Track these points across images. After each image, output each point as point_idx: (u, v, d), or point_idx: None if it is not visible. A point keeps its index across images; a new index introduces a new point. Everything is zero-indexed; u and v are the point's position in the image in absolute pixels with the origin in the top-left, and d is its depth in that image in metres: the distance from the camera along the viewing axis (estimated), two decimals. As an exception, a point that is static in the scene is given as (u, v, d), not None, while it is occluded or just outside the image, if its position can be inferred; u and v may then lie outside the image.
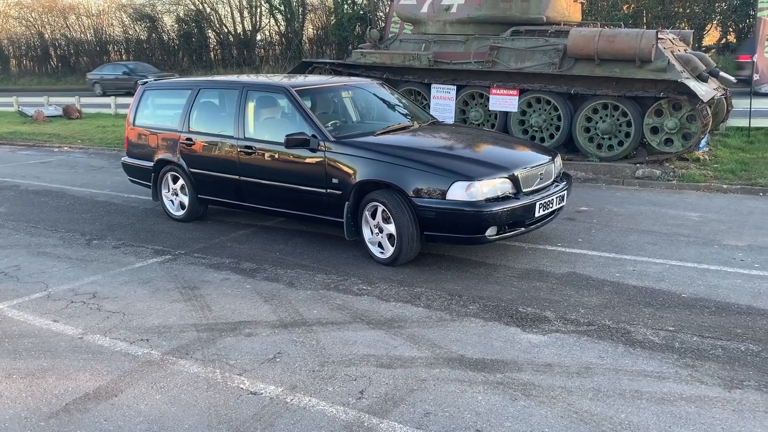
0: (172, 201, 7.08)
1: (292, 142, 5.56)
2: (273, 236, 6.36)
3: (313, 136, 5.61)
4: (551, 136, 9.31)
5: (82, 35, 40.10)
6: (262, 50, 34.39)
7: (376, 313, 4.38)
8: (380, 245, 5.42)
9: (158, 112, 7.19)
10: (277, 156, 5.89)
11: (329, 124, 5.98)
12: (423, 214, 5.08)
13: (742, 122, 11.12)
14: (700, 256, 5.39)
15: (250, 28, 34.28)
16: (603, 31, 8.62)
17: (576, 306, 4.43)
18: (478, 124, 9.88)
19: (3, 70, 43.58)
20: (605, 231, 6.20)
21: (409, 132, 5.96)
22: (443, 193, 4.99)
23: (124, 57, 40.30)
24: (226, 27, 35.02)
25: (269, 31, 34.74)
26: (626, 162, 8.79)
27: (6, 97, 22.83)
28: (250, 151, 6.08)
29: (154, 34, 37.21)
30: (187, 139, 6.65)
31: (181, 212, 6.99)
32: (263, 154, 6.00)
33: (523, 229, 5.27)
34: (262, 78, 6.64)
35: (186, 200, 6.89)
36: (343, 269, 5.33)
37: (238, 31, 34.56)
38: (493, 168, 5.15)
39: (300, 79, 6.61)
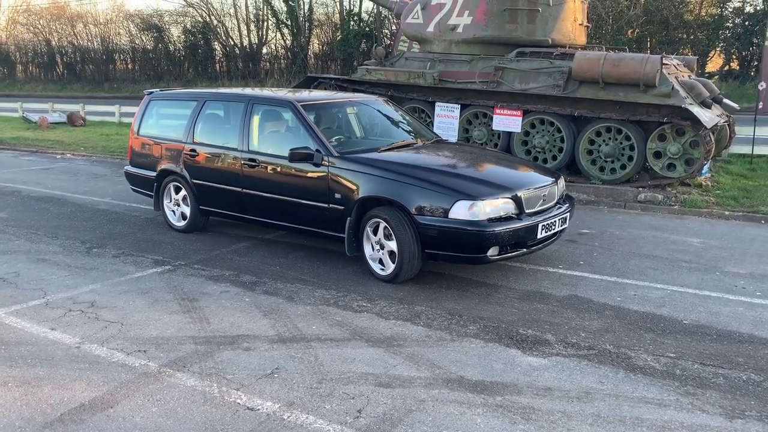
0: (173, 211, 7.07)
1: (296, 156, 5.56)
2: (273, 249, 6.34)
3: (317, 150, 5.62)
4: (554, 158, 9.32)
5: (89, 43, 40.32)
6: (268, 64, 34.53)
7: (376, 331, 4.35)
8: (381, 262, 5.40)
9: (163, 122, 7.21)
10: (280, 169, 5.89)
11: (333, 140, 5.98)
12: (425, 232, 5.06)
13: (745, 149, 11.15)
14: (702, 283, 5.37)
15: (257, 41, 34.47)
16: (608, 55, 8.67)
17: (577, 329, 4.41)
18: (481, 144, 9.90)
19: (9, 76, 43.80)
20: (607, 254, 6.19)
21: (413, 149, 5.97)
22: (446, 212, 4.98)
23: (129, 66, 40.55)
24: (233, 39, 35.23)
25: (275, 45, 34.94)
26: (628, 186, 8.79)
27: (11, 103, 22.92)
28: (253, 164, 6.08)
29: (160, 45, 37.39)
30: (191, 150, 6.66)
31: (183, 223, 6.98)
32: (267, 168, 6.00)
33: (525, 250, 5.26)
34: (267, 91, 6.67)
35: (188, 211, 6.88)
36: (343, 285, 5.30)
37: (245, 44, 34.75)
38: (496, 188, 5.15)
39: (306, 94, 6.64)
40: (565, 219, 5.58)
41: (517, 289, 5.21)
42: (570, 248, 6.37)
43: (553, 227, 5.38)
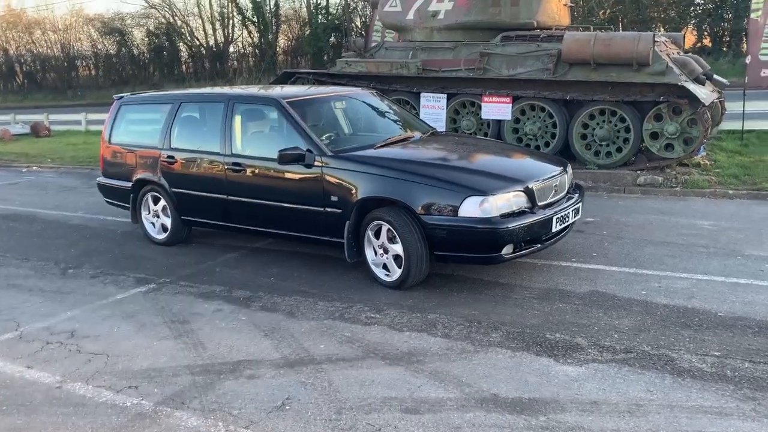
0: (153, 223, 6.59)
1: (286, 158, 5.13)
2: (265, 259, 5.90)
3: (309, 150, 5.19)
4: (547, 144, 8.99)
5: (48, 50, 39.11)
6: (236, 62, 33.84)
7: (391, 346, 3.96)
8: (385, 267, 5.00)
9: (136, 128, 6.71)
10: (268, 173, 5.45)
11: (324, 138, 5.56)
12: (433, 233, 4.67)
13: (733, 125, 10.94)
14: (726, 269, 5.06)
15: (223, 40, 33.72)
16: (599, 35, 8.35)
17: (608, 330, 4.06)
18: (471, 134, 9.52)
19: (-34, 87, 42.38)
20: (619, 244, 5.86)
21: (411, 144, 5.57)
22: (455, 210, 4.59)
23: (93, 72, 39.44)
24: (198, 40, 34.43)
25: (242, 43, 34.23)
26: (626, 169, 8.50)
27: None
28: (238, 168, 5.63)
29: (123, 49, 36.42)
30: (169, 156, 6.18)
31: (164, 235, 6.50)
32: (253, 172, 5.56)
33: (539, 245, 4.89)
34: (250, 90, 6.20)
35: (168, 222, 6.41)
36: (347, 295, 4.90)
37: (211, 44, 33.98)
38: (506, 181, 4.77)
39: (290, 90, 6.19)
40: (578, 210, 5.23)
41: (534, 288, 4.85)
42: (579, 239, 6.03)
43: (567, 219, 5.03)
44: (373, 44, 10.63)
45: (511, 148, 6.12)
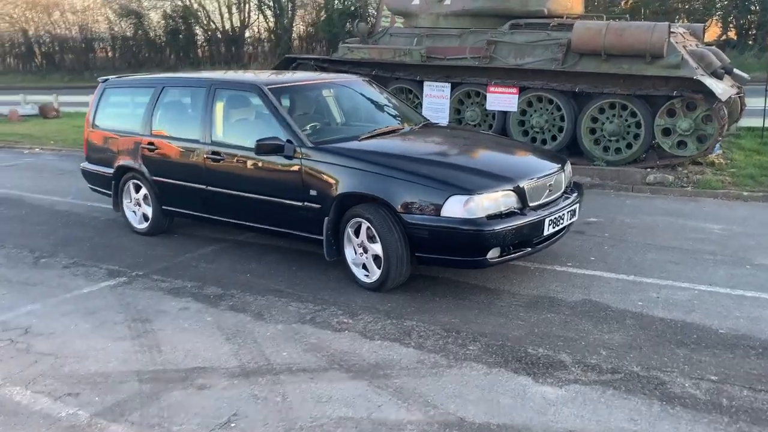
0: (134, 212, 6.33)
1: (263, 148, 4.83)
2: (245, 253, 5.62)
3: (288, 141, 4.88)
4: (554, 138, 8.60)
5: (66, 32, 39.08)
6: (251, 47, 33.54)
7: (358, 357, 3.66)
8: (365, 267, 4.70)
9: (119, 112, 6.45)
10: (247, 163, 5.16)
11: (308, 128, 5.26)
12: (414, 233, 4.36)
13: (753, 122, 10.43)
14: (732, 279, 4.69)
15: (239, 24, 33.39)
16: (611, 24, 7.93)
17: (596, 346, 3.72)
18: (475, 125, 9.16)
19: (-15, 67, 42.56)
20: (620, 247, 5.49)
21: (399, 136, 5.24)
22: (437, 209, 4.26)
23: (109, 54, 39.40)
24: (214, 23, 34.11)
25: (258, 28, 33.90)
26: (635, 166, 8.09)
27: (-18, 96, 21.94)
28: (218, 157, 5.34)
29: (140, 31, 36.25)
30: (149, 143, 5.91)
31: (145, 225, 6.24)
32: (232, 161, 5.27)
33: (529, 249, 4.56)
34: (232, 75, 5.89)
35: (149, 212, 6.15)
36: (322, 296, 4.60)
37: (226, 28, 33.67)
38: (495, 179, 4.43)
39: (275, 76, 5.88)
40: (575, 211, 4.88)
41: (522, 295, 4.52)
42: (578, 241, 5.67)
43: (562, 221, 4.68)
44: (380, 30, 10.27)
45: (505, 142, 5.76)
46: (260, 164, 5.07)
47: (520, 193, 4.42)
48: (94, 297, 4.72)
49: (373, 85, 6.31)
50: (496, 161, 4.86)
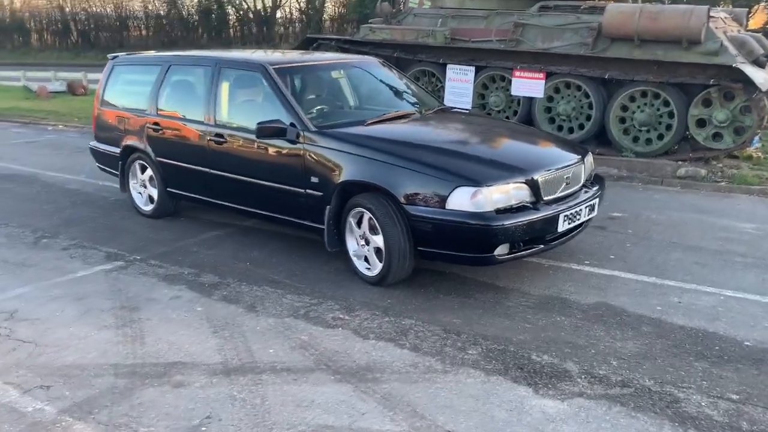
0: (140, 193, 6.18)
1: (265, 131, 4.60)
2: (249, 240, 5.42)
3: (292, 124, 4.64)
4: (581, 127, 8.21)
5: (101, 10, 39.39)
6: (282, 27, 33.37)
7: (348, 357, 3.42)
8: (367, 260, 4.46)
9: (127, 91, 6.27)
10: (250, 147, 4.94)
11: (315, 110, 5.02)
12: (417, 226, 4.09)
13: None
14: (764, 285, 4.33)
15: (271, 4, 33.22)
16: (645, 7, 7.49)
17: (606, 355, 3.43)
18: (499, 111, 8.82)
19: (24, 44, 43.15)
20: (643, 246, 5.15)
21: (409, 122, 4.96)
22: (443, 201, 3.99)
23: (143, 33, 39.59)
24: (246, 3, 34.01)
25: (289, 8, 33.69)
26: (666, 159, 7.67)
27: (15, 71, 22.15)
28: (221, 140, 5.14)
29: (173, 10, 36.32)
30: (155, 123, 5.73)
31: (150, 207, 6.09)
32: (235, 145, 5.06)
33: (542, 246, 4.26)
34: (238, 54, 5.65)
35: (155, 193, 5.99)
36: (320, 288, 4.37)
37: (258, 8, 33.53)
38: (506, 170, 4.13)
39: (283, 56, 5.63)
40: (594, 206, 4.55)
41: (533, 295, 4.23)
42: (599, 237, 5.35)
43: (579, 217, 4.36)
44: (405, 10, 9.92)
45: (522, 130, 5.41)
46: (262, 148, 4.85)
47: (533, 185, 4.12)
48: (87, 281, 4.56)
49: (388, 66, 6.02)
50: (509, 151, 4.55)
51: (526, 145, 4.73)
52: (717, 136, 7.50)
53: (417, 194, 4.07)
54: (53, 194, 7.10)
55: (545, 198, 4.18)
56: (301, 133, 4.59)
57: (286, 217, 4.91)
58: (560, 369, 3.29)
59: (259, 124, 4.59)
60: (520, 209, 4.05)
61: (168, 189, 5.83)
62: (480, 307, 4.06)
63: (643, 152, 7.80)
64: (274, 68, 4.97)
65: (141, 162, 6.03)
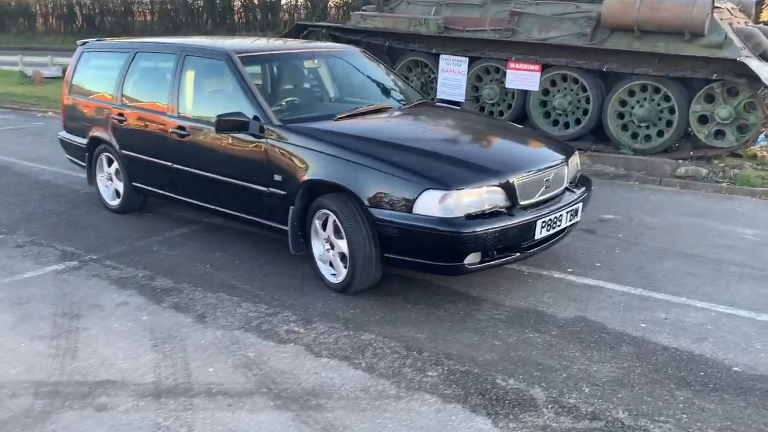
0: (107, 187, 5.89)
1: (224, 124, 4.27)
2: (216, 238, 5.12)
3: (255, 117, 4.32)
4: (577, 122, 7.85)
5: (107, -6, 39.06)
6: (287, 14, 32.92)
7: (294, 379, 3.12)
8: (333, 265, 4.14)
9: (94, 79, 5.96)
10: (211, 141, 4.63)
11: (284, 103, 4.71)
12: (383, 231, 3.77)
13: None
14: (759, 300, 3.99)
15: (276, -10, 32.78)
16: (646, -4, 7.09)
17: (579, 380, 3.11)
18: (493, 105, 8.45)
19: (29, 29, 42.92)
20: (633, 252, 4.81)
21: (383, 117, 4.62)
22: (410, 204, 3.66)
23: (148, 19, 39.25)
24: (251, -11, 33.57)
25: (295, -6, 33.22)
26: (666, 156, 7.30)
27: (12, 56, 21.88)
28: (183, 132, 4.83)
29: (178, -5, 35.95)
30: (119, 113, 5.42)
31: (117, 201, 5.80)
32: (198, 138, 4.74)
33: (518, 254, 3.93)
34: (205, 40, 5.32)
35: (121, 188, 5.70)
36: (280, 296, 4.07)
37: (263, -6, 33.10)
38: (479, 172, 3.80)
39: (251, 43, 5.30)
40: (576, 211, 4.21)
41: (507, 307, 3.91)
42: (586, 242, 5.01)
43: (559, 223, 4.02)
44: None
45: (503, 128, 5.04)
46: (225, 142, 4.53)
47: (508, 189, 3.79)
48: (33, 284, 4.27)
49: (369, 56, 5.67)
50: (484, 151, 4.21)
51: (504, 145, 4.39)
52: (719, 134, 7.12)
53: (383, 197, 3.75)
54: (23, 186, 6.82)
55: (522, 202, 3.84)
56: (265, 127, 4.27)
57: (251, 217, 4.60)
58: (526, 396, 2.97)
59: (218, 116, 4.26)
60: (493, 215, 3.72)
61: (133, 183, 5.53)
62: (449, 319, 3.74)
63: (641, 149, 7.43)
64: (239, 56, 4.65)
65: (107, 154, 5.74)
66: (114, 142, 5.51)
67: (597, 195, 6.24)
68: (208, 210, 4.97)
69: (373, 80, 5.38)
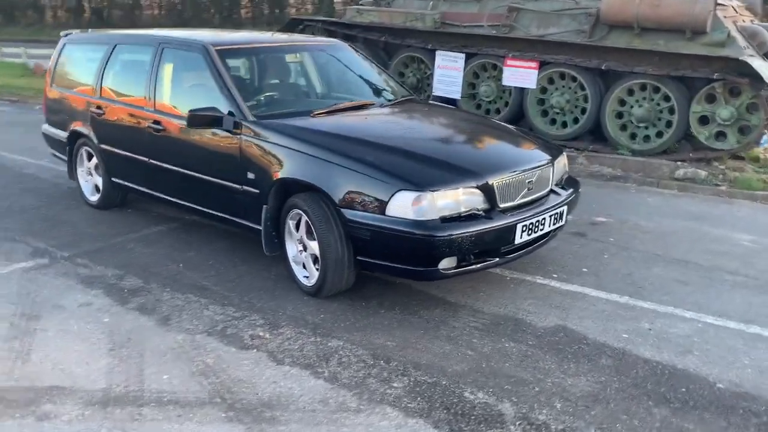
0: (87, 182, 5.76)
1: (196, 120, 4.12)
2: (193, 237, 4.98)
3: (230, 113, 4.17)
4: (575, 121, 7.65)
5: (115, -13, 39.08)
6: (294, 9, 32.82)
7: (251, 389, 2.96)
8: (306, 267, 3.99)
9: (75, 72, 5.83)
10: (186, 136, 4.48)
11: (262, 98, 4.56)
12: (355, 233, 3.61)
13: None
14: (750, 311, 3.80)
15: (283, -15, 32.69)
16: (647, -8, 6.89)
17: (552, 394, 2.94)
18: (489, 102, 8.27)
19: (38, 21, 42.99)
20: (622, 258, 4.63)
21: (363, 114, 4.45)
22: (382, 206, 3.50)
23: (156, 13, 39.22)
24: (259, -17, 33.51)
25: (302, -11, 33.12)
26: (665, 158, 7.09)
27: (16, 48, 21.81)
28: (159, 127, 4.68)
29: (186, -11, 35.93)
30: (98, 106, 5.29)
31: (96, 197, 5.67)
32: (172, 133, 4.60)
33: (497, 259, 3.76)
34: (183, 32, 5.16)
35: (101, 183, 5.56)
36: (250, 298, 3.92)
37: (271, -12, 33.02)
38: (456, 173, 3.63)
39: (230, 35, 5.15)
40: (561, 215, 4.02)
41: (485, 313, 3.74)
42: (575, 246, 4.83)
43: (541, 227, 3.85)
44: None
45: (487, 126, 4.83)
46: (200, 138, 4.38)
47: (487, 190, 3.61)
48: (-1, 282, 4.15)
49: (356, 50, 5.50)
50: (464, 150, 4.04)
51: (485, 145, 4.20)
52: (720, 135, 6.91)
53: (355, 197, 3.58)
54: (4, 179, 6.70)
55: (501, 205, 3.67)
56: (239, 123, 4.11)
57: (225, 216, 4.45)
58: (493, 411, 2.81)
59: (190, 111, 4.11)
60: (470, 218, 3.55)
61: (112, 179, 5.40)
62: (422, 326, 3.58)
63: (640, 150, 7.23)
64: (216, 49, 4.49)
65: (87, 149, 5.61)
66: (93, 136, 5.38)
67: (592, 197, 6.09)
68: (185, 208, 4.82)
69: (359, 76, 5.20)
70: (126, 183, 5.28)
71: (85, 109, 5.43)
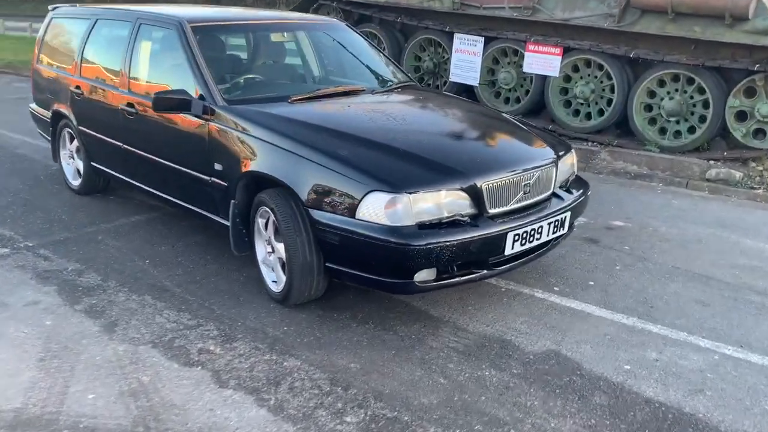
0: (69, 165, 5.47)
1: (162, 103, 3.74)
2: (167, 230, 4.63)
3: (201, 96, 3.78)
4: (600, 113, 7.09)
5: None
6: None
7: (182, 416, 2.58)
8: (275, 271, 3.59)
9: (59, 48, 5.49)
10: (156, 120, 4.11)
11: (240, 80, 4.16)
12: (323, 237, 3.20)
13: None
14: (778, 341, 3.29)
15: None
16: (683, -26, 6.27)
17: (529, 440, 2.50)
18: (509, 90, 7.74)
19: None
20: (636, 270, 4.13)
21: (347, 101, 4.01)
22: (353, 208, 3.08)
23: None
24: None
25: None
26: (696, 156, 6.50)
27: (24, 23, 21.68)
28: (132, 110, 4.32)
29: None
30: (77, 86, 4.96)
31: (78, 181, 5.36)
32: (144, 116, 4.24)
33: (485, 271, 3.31)
34: (163, 7, 4.75)
35: (81, 167, 5.26)
36: (210, 304, 3.54)
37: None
38: (439, 172, 3.18)
39: (212, 11, 4.74)
40: (563, 221, 3.54)
41: (469, 332, 3.30)
42: (585, 254, 4.34)
43: (537, 236, 3.38)
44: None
45: (488, 116, 4.30)
46: (168, 123, 4.01)
47: (474, 194, 3.16)
48: (-52, 273, 3.85)
49: (354, 32, 5.05)
50: (453, 147, 3.56)
51: (478, 141, 3.72)
52: (759, 133, 6.29)
53: (325, 196, 3.17)
54: (-4, 159, 6.45)
55: (491, 210, 3.22)
56: (209, 108, 3.72)
57: (196, 209, 4.09)
58: (456, 460, 2.38)
59: (156, 94, 3.74)
60: (452, 224, 3.11)
61: (92, 163, 5.08)
62: (394, 346, 3.16)
63: (669, 147, 6.65)
64: (191, 26, 4.09)
65: (69, 130, 5.31)
66: (72, 117, 5.06)
67: (611, 197, 5.60)
68: (158, 198, 4.46)
69: (355, 58, 4.76)
70: (104, 168, 4.96)
71: (66, 89, 5.11)
